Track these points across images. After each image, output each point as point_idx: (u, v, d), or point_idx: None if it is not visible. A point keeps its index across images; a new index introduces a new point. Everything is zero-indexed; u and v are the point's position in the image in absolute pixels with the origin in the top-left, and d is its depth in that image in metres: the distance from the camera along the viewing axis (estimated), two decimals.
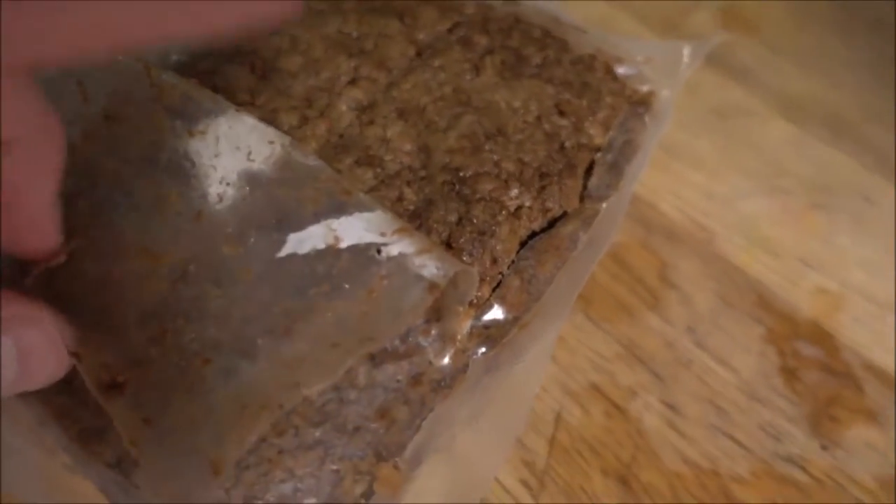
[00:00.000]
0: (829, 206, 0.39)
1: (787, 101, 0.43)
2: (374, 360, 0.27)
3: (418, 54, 0.34)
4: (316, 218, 0.27)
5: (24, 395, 0.27)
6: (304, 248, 0.27)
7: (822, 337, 0.35)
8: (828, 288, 0.37)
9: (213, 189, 0.27)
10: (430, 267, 0.26)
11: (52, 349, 0.24)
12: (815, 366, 0.35)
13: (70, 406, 0.27)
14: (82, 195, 0.27)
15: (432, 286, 0.26)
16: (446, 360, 0.28)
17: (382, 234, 0.26)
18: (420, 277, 0.26)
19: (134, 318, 0.26)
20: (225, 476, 0.24)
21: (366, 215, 0.27)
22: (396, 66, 0.33)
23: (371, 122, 0.31)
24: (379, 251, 0.26)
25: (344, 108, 0.32)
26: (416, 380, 0.27)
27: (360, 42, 0.34)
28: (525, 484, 0.32)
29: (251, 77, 0.32)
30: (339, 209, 0.27)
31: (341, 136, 0.31)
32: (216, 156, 0.28)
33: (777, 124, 0.42)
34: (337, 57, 0.33)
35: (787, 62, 0.45)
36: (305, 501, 0.26)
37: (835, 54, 0.45)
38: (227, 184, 0.27)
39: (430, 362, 0.27)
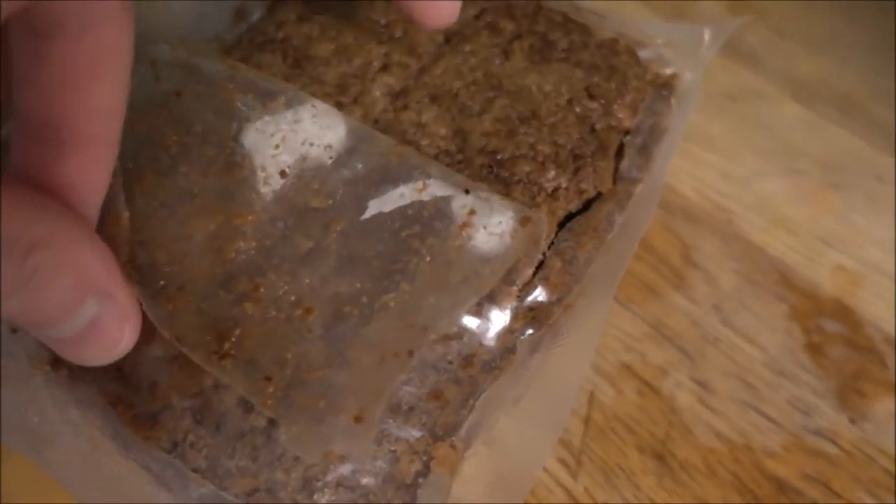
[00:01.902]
0: (843, 186, 0.40)
1: (796, 83, 0.44)
2: None
3: (447, 40, 0.34)
4: (400, 170, 0.28)
5: (76, 381, 0.27)
6: (392, 197, 0.28)
7: (844, 313, 0.36)
8: (846, 265, 0.38)
9: (295, 151, 0.29)
10: (513, 208, 0.28)
11: (124, 324, 0.24)
12: (839, 341, 0.35)
13: (123, 392, 0.27)
14: (147, 168, 0.29)
15: (524, 218, 0.27)
16: (495, 342, 0.28)
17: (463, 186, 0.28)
18: (508, 210, 0.28)
19: (221, 280, 0.27)
20: (371, 426, 0.24)
21: (443, 172, 0.29)
22: (426, 52, 0.33)
23: (405, 108, 0.32)
24: (467, 191, 0.28)
25: (377, 93, 0.32)
26: (467, 361, 0.28)
27: (388, 29, 0.34)
28: (563, 463, 0.32)
29: (283, 65, 0.32)
30: (420, 166, 0.29)
31: (376, 121, 0.31)
32: (295, 122, 0.29)
33: (788, 106, 0.43)
34: (367, 44, 0.33)
35: (795, 45, 0.45)
36: (363, 481, 0.26)
37: (841, 36, 0.46)
38: (311, 144, 0.29)
39: (481, 343, 0.28)
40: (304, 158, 0.29)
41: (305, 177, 0.29)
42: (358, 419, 0.24)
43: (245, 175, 0.28)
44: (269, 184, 0.28)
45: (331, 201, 0.28)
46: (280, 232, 0.28)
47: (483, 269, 0.27)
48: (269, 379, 0.25)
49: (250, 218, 0.28)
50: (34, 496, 0.30)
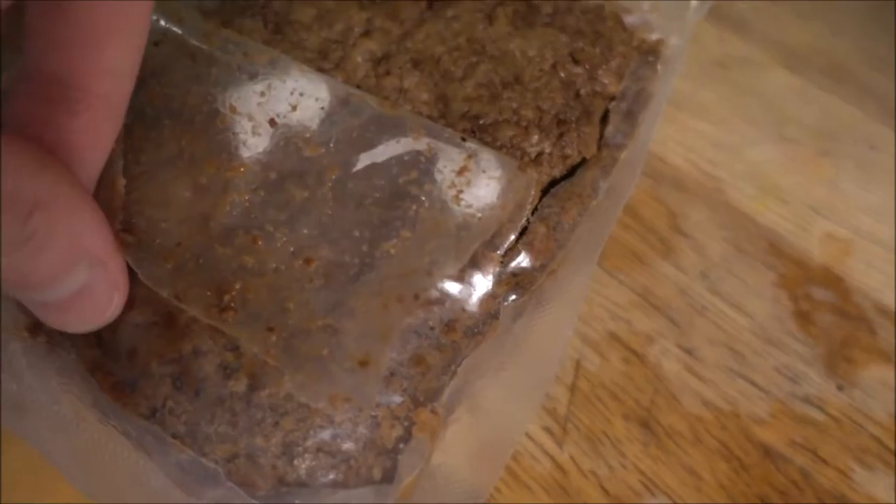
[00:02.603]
0: (835, 153, 0.40)
1: (787, 50, 0.43)
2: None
3: (430, 6, 0.34)
4: (393, 120, 0.28)
5: (54, 348, 0.27)
6: (388, 145, 0.28)
7: (833, 281, 0.36)
8: (837, 233, 0.37)
9: (283, 100, 0.29)
10: (506, 161, 0.28)
11: (113, 292, 0.24)
12: (827, 309, 0.35)
13: (102, 359, 0.27)
14: (133, 123, 0.29)
15: (520, 165, 0.28)
16: (478, 307, 0.28)
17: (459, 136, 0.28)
18: (504, 158, 0.28)
19: (217, 234, 0.27)
20: (377, 370, 0.25)
21: (435, 126, 0.29)
22: (409, 17, 0.33)
23: (387, 73, 0.31)
24: (463, 139, 0.28)
25: (359, 59, 0.31)
26: (449, 326, 0.27)
27: None
28: (548, 431, 0.32)
29: (265, 31, 0.32)
30: (413, 118, 0.29)
31: (358, 86, 0.31)
32: (282, 72, 0.29)
33: (779, 73, 0.42)
34: (349, 9, 0.33)
35: (785, 12, 0.45)
36: (344, 446, 0.26)
37: (832, 2, 0.45)
38: (300, 94, 0.29)
39: (463, 309, 0.27)
40: (293, 108, 0.28)
41: (296, 126, 0.28)
42: (363, 363, 0.25)
43: (231, 124, 0.28)
44: (259, 133, 0.28)
45: (324, 150, 0.28)
46: (274, 183, 0.28)
47: (483, 213, 0.27)
48: (271, 329, 0.25)
49: (242, 170, 0.27)
50: (34, 488, 0.30)
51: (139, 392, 0.26)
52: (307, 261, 0.26)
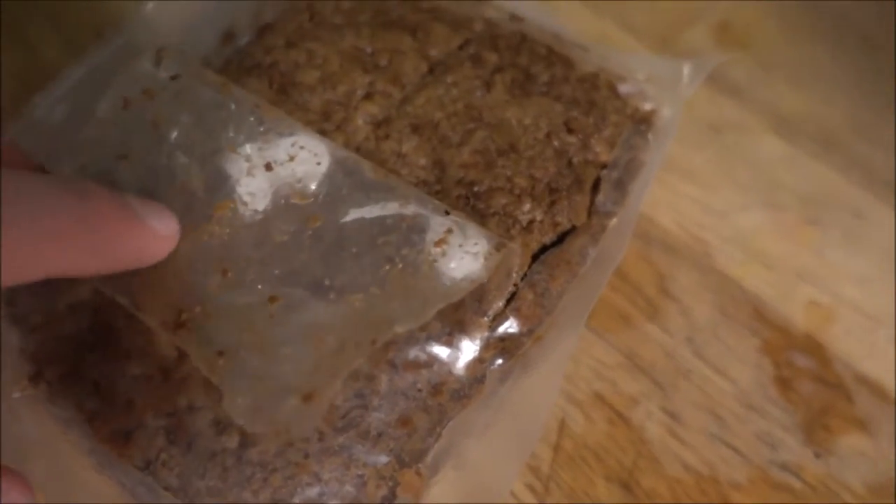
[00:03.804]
0: (822, 221, 0.41)
1: (778, 117, 0.44)
2: (396, 368, 0.28)
3: (430, 71, 0.35)
4: (383, 185, 0.29)
5: (54, 397, 0.28)
6: (374, 206, 0.29)
7: (815, 348, 0.37)
8: (821, 301, 0.38)
9: (283, 150, 0.30)
10: (489, 234, 0.28)
11: None
12: (808, 376, 0.36)
13: (99, 408, 0.28)
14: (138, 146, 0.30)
15: (499, 244, 0.28)
16: (465, 371, 0.29)
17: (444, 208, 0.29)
18: (484, 235, 0.28)
19: (187, 258, 0.28)
20: (320, 406, 0.25)
21: (424, 196, 0.29)
22: (410, 82, 0.34)
23: (387, 137, 0.32)
24: (447, 212, 0.28)
25: (360, 122, 0.33)
26: (436, 389, 0.28)
27: (374, 58, 0.34)
28: (531, 488, 0.33)
29: (270, 91, 0.33)
30: (403, 186, 0.29)
31: (358, 149, 0.32)
32: (287, 128, 0.30)
33: (770, 140, 0.43)
34: (352, 72, 0.34)
35: (779, 79, 0.46)
36: None
37: (825, 71, 0.46)
38: (301, 147, 0.30)
39: (450, 372, 0.28)
40: (290, 158, 0.29)
41: (290, 175, 0.29)
42: (307, 398, 0.25)
43: (229, 161, 0.29)
44: (253, 174, 0.29)
45: (311, 200, 0.29)
46: (257, 222, 0.28)
47: (454, 284, 0.28)
48: (221, 353, 0.26)
49: (230, 205, 0.28)
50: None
51: (134, 443, 0.27)
52: (272, 299, 0.27)
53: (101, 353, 0.28)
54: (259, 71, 0.33)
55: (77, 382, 0.28)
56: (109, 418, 0.28)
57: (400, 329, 0.26)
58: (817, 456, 0.34)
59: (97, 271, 0.24)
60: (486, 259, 0.28)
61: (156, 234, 0.25)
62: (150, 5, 0.37)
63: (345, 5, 0.36)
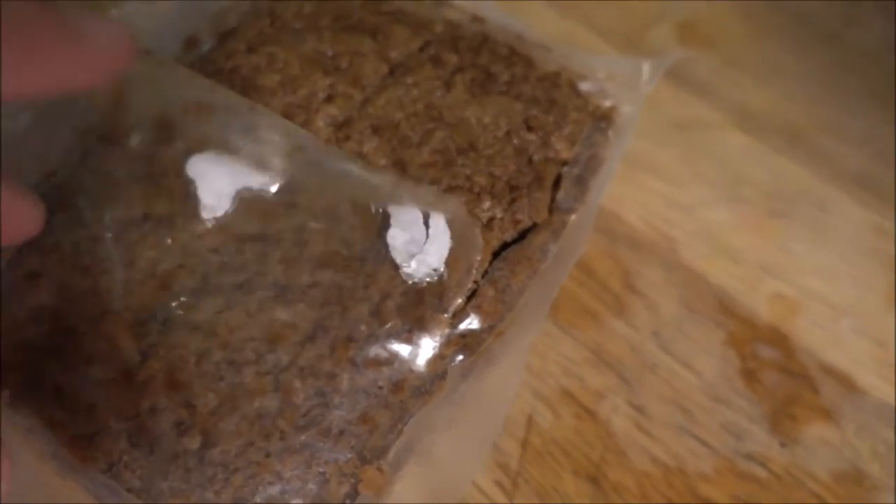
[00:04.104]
0: (786, 215, 0.41)
1: (743, 113, 0.45)
2: (357, 366, 0.28)
3: (391, 72, 0.35)
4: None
5: (15, 403, 0.28)
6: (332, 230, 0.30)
7: (780, 340, 0.37)
8: (785, 293, 0.39)
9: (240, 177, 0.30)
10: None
11: None
12: (773, 367, 0.36)
13: (61, 414, 0.28)
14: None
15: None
16: (425, 368, 0.29)
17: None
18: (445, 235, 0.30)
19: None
20: None
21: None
22: (370, 84, 0.34)
23: (347, 138, 0.33)
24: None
25: (321, 123, 0.33)
26: (397, 386, 0.28)
27: (334, 60, 0.35)
28: (499, 485, 0.33)
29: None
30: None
31: None
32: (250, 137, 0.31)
33: (735, 136, 0.44)
34: (313, 74, 0.34)
35: (743, 76, 0.46)
36: (292, 502, 0.27)
37: (788, 68, 0.47)
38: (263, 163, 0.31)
39: (411, 369, 0.29)
40: (248, 189, 0.30)
41: (247, 203, 0.30)
42: None
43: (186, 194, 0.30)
44: (209, 208, 0.30)
45: (271, 229, 0.29)
46: (217, 261, 0.29)
47: (419, 294, 0.28)
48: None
49: (188, 238, 0.29)
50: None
51: (97, 446, 0.27)
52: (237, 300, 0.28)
53: (63, 358, 0.28)
54: (221, 77, 0.34)
55: (39, 388, 0.28)
56: (72, 423, 0.28)
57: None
58: (783, 445, 0.35)
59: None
60: (447, 266, 0.28)
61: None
62: (114, 13, 0.37)
63: (306, 9, 0.37)
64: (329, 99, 0.34)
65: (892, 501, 0.33)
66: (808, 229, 0.41)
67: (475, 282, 0.30)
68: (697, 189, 0.42)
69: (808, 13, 0.49)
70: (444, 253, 0.29)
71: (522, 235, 0.32)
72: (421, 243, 0.29)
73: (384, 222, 0.30)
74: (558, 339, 0.37)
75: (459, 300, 0.30)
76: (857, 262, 0.40)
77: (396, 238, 0.30)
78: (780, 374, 0.36)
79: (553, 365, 0.36)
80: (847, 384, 0.36)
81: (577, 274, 0.38)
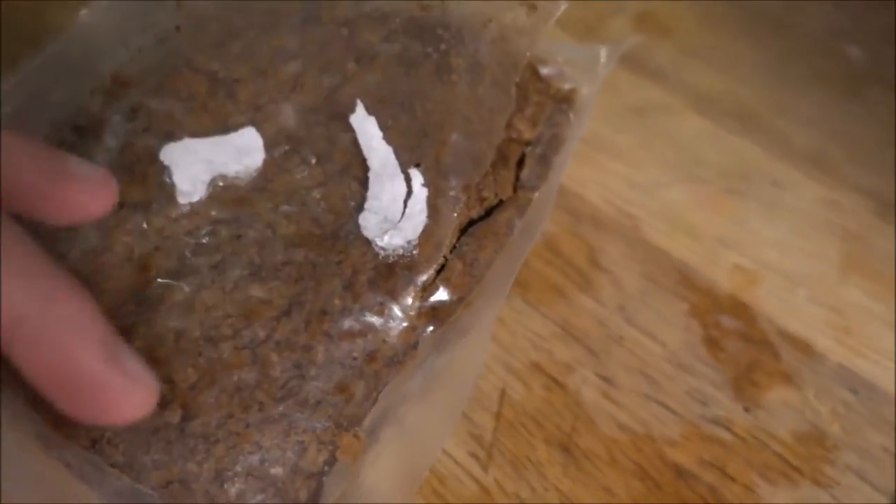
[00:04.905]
0: (742, 192, 0.43)
1: (699, 97, 0.46)
2: (332, 338, 0.29)
3: (356, 61, 0.36)
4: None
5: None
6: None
7: (740, 309, 0.39)
8: (744, 265, 0.40)
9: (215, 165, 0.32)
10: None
11: None
12: (735, 335, 0.38)
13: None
14: None
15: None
16: (398, 338, 0.30)
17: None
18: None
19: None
20: None
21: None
22: (339, 72, 0.35)
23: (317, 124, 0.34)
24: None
25: (291, 111, 0.34)
26: (371, 356, 0.29)
27: (302, 50, 0.36)
28: (474, 456, 0.34)
29: (202, 84, 0.34)
30: None
31: (289, 137, 0.33)
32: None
33: (691, 119, 0.45)
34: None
35: (698, 62, 0.48)
36: (272, 471, 0.28)
37: (741, 54, 0.48)
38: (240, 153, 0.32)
39: (384, 340, 0.30)
40: (222, 176, 0.31)
41: (220, 189, 0.30)
42: None
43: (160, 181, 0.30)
44: (184, 194, 0.30)
45: (244, 212, 0.30)
46: (194, 241, 0.30)
47: (391, 268, 0.29)
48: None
49: (164, 222, 0.30)
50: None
51: (79, 424, 0.28)
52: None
53: None
54: (190, 66, 0.35)
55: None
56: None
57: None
58: (746, 410, 0.36)
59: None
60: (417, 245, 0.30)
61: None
62: (84, 12, 0.38)
63: None
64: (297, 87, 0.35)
65: (853, 460, 0.35)
66: (763, 205, 0.42)
67: (444, 256, 0.31)
68: (656, 170, 0.43)
69: (757, 4, 0.51)
70: (419, 229, 0.30)
71: (489, 212, 0.33)
72: (395, 221, 0.30)
73: (357, 203, 0.31)
74: (527, 316, 0.38)
75: (429, 274, 0.31)
76: (810, 234, 0.41)
77: (368, 219, 0.31)
78: (742, 342, 0.38)
79: (523, 340, 0.37)
80: (805, 349, 0.37)
81: (543, 252, 0.39)
